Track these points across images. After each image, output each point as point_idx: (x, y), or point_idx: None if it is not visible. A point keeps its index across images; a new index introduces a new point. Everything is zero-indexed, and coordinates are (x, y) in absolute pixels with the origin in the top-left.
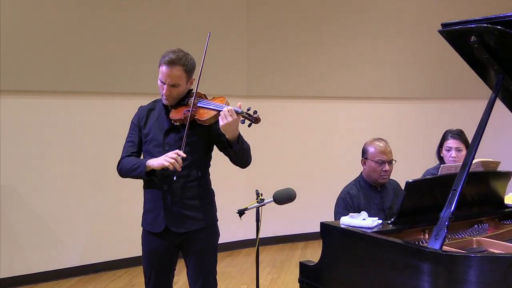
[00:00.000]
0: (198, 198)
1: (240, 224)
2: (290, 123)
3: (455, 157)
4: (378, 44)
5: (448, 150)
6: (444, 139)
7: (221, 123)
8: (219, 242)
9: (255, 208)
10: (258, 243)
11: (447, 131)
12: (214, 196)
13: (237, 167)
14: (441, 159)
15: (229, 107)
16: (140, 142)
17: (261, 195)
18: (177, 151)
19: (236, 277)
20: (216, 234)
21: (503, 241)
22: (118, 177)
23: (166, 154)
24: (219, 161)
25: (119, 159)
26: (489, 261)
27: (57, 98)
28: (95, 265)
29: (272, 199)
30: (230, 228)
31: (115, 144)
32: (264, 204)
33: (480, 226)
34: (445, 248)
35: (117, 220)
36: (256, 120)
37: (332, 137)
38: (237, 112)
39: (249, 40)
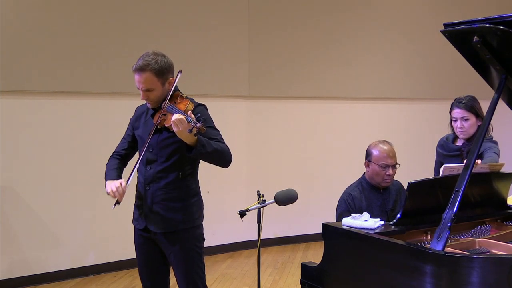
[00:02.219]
0: (177, 200)
1: (241, 225)
2: (292, 124)
3: (461, 127)
4: (381, 44)
5: (454, 120)
6: (451, 108)
7: (173, 129)
8: (220, 244)
9: (257, 209)
10: (259, 244)
11: (455, 99)
12: (198, 199)
13: (238, 168)
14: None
15: (178, 116)
16: (132, 141)
17: (263, 196)
18: (121, 181)
19: (237, 279)
20: (197, 237)
21: (505, 242)
22: None
23: (113, 182)
24: None
25: None
26: (491, 262)
27: (57, 98)
28: (95, 266)
29: (273, 200)
30: (231, 229)
31: (116, 145)
32: (266, 205)
33: (483, 227)
34: (447, 249)
35: (118, 221)
36: (199, 129)
37: (334, 137)
38: (186, 119)
39: (251, 40)
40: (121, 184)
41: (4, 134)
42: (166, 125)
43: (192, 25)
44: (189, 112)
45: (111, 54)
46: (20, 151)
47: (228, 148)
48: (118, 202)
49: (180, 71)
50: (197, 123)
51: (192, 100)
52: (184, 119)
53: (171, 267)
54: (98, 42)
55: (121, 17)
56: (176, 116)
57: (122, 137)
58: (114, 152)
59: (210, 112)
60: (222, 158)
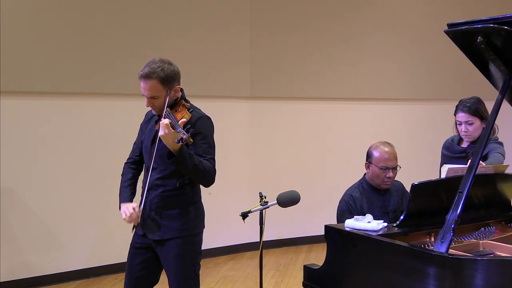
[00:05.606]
0: (175, 208)
1: (243, 227)
2: (294, 125)
3: (466, 131)
4: (383, 45)
5: (459, 124)
6: (455, 111)
7: (160, 133)
8: (222, 245)
9: (259, 211)
10: (261, 246)
11: (459, 101)
12: (196, 208)
13: (240, 170)
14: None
15: (166, 121)
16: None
17: (265, 198)
18: (133, 205)
19: (239, 281)
20: (193, 246)
21: (510, 244)
22: (119, 179)
23: (127, 206)
24: (221, 163)
25: (121, 160)
26: (495, 264)
27: (58, 99)
28: (96, 268)
29: (275, 201)
30: (233, 231)
31: (116, 146)
32: (268, 207)
33: (487, 229)
34: (451, 251)
35: (118, 223)
36: (186, 141)
37: (336, 138)
38: (173, 127)
39: (253, 40)
40: (134, 209)
41: (4, 135)
42: None
43: (194, 25)
44: (182, 121)
45: (112, 54)
46: (20, 152)
47: (214, 169)
48: (135, 226)
49: None
50: (185, 134)
51: (195, 111)
52: (168, 124)
53: (158, 280)
54: (99, 43)
55: (122, 18)
56: (164, 120)
57: (133, 142)
58: (127, 159)
59: (212, 113)
60: (202, 177)
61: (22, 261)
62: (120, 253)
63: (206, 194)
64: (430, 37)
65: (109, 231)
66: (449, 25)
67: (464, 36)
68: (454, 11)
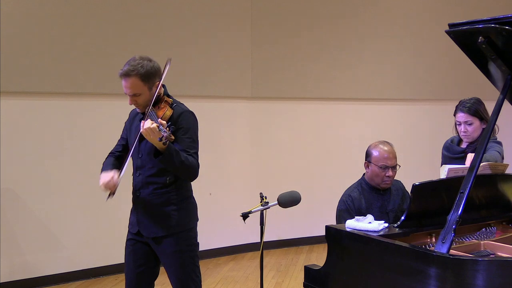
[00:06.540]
0: (167, 205)
1: (244, 227)
2: (295, 125)
3: (465, 131)
4: (384, 45)
5: (458, 124)
6: (455, 111)
7: (145, 136)
8: (223, 246)
9: (259, 211)
10: (262, 247)
11: (459, 102)
12: (188, 203)
13: (241, 170)
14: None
15: (147, 124)
16: (126, 144)
17: (266, 198)
18: (112, 174)
19: (240, 281)
20: (189, 240)
21: (511, 245)
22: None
23: (107, 173)
24: (221, 163)
25: None
26: (497, 265)
27: (58, 99)
28: (96, 269)
29: (276, 202)
30: (234, 232)
31: None
32: (269, 207)
33: (488, 230)
34: (452, 252)
35: (119, 224)
36: (167, 139)
37: (337, 139)
38: (157, 127)
39: (253, 41)
40: (112, 177)
41: (4, 135)
42: None
43: (194, 26)
44: (162, 119)
45: (112, 55)
46: (20, 152)
47: (198, 164)
48: (110, 194)
49: (169, 60)
50: (166, 132)
51: (178, 106)
52: (156, 127)
53: (158, 273)
54: (99, 43)
55: (123, 19)
56: (147, 124)
57: (118, 139)
58: (110, 152)
59: (212, 113)
60: (187, 173)
61: (22, 262)
62: (120, 254)
63: (206, 194)
64: (430, 37)
65: (109, 231)
66: (450, 25)
67: (465, 36)
68: (455, 11)
